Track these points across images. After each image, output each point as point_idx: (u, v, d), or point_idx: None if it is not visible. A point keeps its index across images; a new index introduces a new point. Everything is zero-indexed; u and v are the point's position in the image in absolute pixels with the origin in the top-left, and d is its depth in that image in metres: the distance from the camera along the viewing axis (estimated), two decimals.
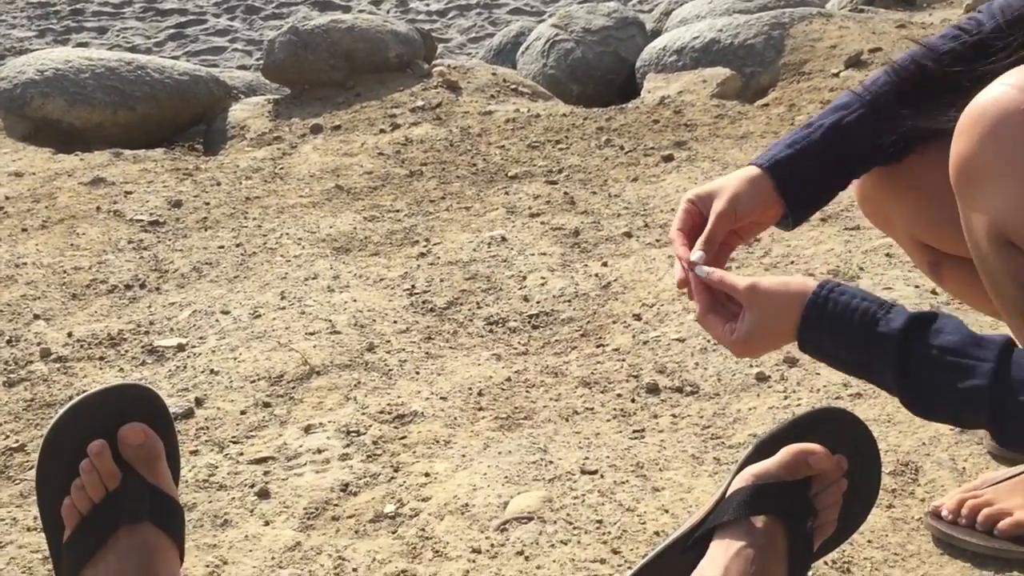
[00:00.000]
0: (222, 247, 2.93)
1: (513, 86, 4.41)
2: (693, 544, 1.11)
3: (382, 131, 3.95)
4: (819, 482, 1.09)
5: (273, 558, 1.44)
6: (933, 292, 2.14)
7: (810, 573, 1.31)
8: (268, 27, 7.61)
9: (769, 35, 4.41)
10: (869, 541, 1.37)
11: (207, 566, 1.41)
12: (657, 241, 2.70)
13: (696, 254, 1.17)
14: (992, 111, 1.03)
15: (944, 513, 1.36)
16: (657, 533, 1.41)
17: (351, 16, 4.75)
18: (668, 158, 3.40)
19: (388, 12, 7.90)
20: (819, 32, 4.41)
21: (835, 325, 1.02)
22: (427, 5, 8.30)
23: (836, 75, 4.09)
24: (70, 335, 2.33)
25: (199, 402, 1.95)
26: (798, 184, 1.20)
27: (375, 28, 4.56)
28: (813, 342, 1.05)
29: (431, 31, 5.71)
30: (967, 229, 1.07)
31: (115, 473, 1.04)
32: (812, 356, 1.07)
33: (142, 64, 4.47)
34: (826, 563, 1.33)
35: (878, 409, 1.72)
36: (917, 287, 2.18)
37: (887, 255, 2.38)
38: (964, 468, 1.52)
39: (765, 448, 1.12)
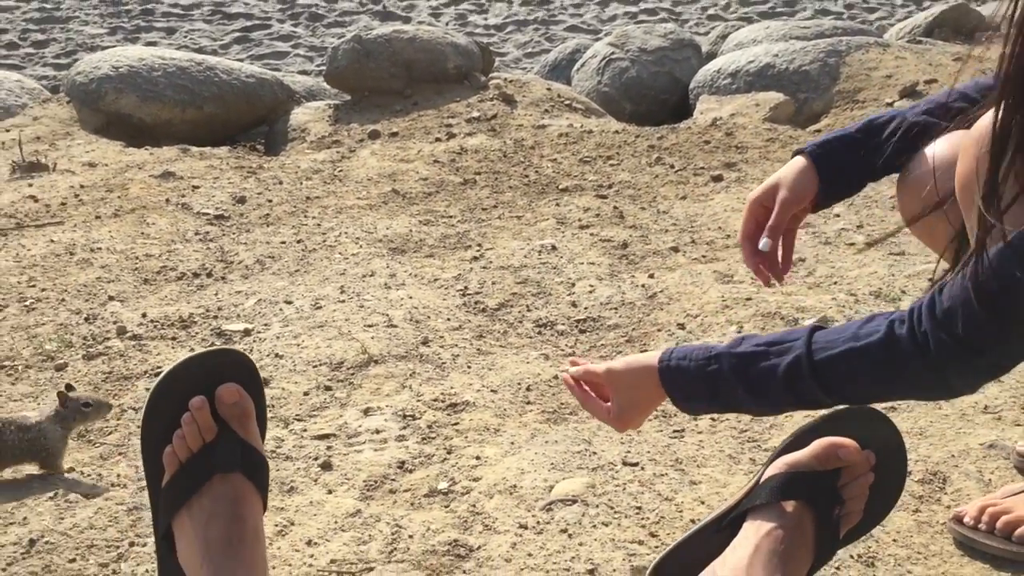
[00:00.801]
0: (284, 242, 3.08)
1: (567, 102, 4.53)
2: (728, 524, 1.20)
3: (438, 139, 4.09)
4: (848, 474, 1.18)
5: (336, 522, 1.55)
6: None
7: (837, 565, 1.40)
8: (330, 34, 7.82)
9: (825, 62, 4.48)
10: (894, 540, 1.46)
11: (276, 525, 1.53)
12: (704, 256, 2.79)
13: (763, 241, 1.37)
14: (989, 133, 1.15)
15: (966, 519, 1.44)
16: (693, 521, 1.50)
17: (412, 27, 4.91)
18: (717, 178, 3.49)
19: (447, 24, 8.08)
20: (875, 61, 4.47)
21: (683, 375, 1.22)
22: (485, 19, 8.47)
23: (890, 104, 4.15)
24: (144, 316, 2.48)
25: (265, 382, 2.07)
26: (832, 168, 1.39)
27: (435, 40, 4.71)
28: (680, 400, 1.24)
29: (489, 45, 5.86)
30: (972, 239, 1.18)
31: (212, 427, 1.17)
32: (689, 411, 1.29)
33: (211, 65, 4.66)
34: (852, 556, 1.41)
35: (911, 423, 1.80)
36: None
37: (930, 280, 2.45)
38: (990, 480, 1.60)
39: (800, 439, 1.21)
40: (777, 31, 5.23)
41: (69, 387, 1.77)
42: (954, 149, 1.27)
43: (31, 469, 1.76)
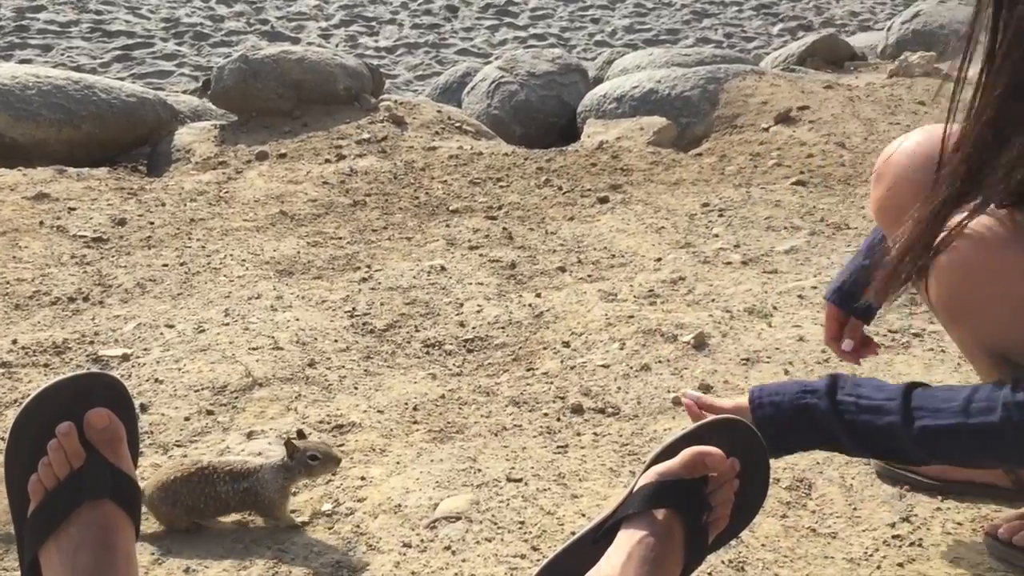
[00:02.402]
0: (166, 265, 3.01)
1: (457, 124, 4.57)
2: (603, 534, 1.24)
3: (327, 161, 4.07)
4: (715, 481, 1.23)
5: (215, 548, 1.53)
6: None
7: (709, 571, 1.45)
8: (216, 54, 7.68)
9: (705, 88, 4.65)
10: (763, 544, 1.52)
11: (152, 554, 1.49)
12: (589, 276, 2.86)
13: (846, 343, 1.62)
14: (899, 158, 1.24)
15: (1001, 533, 1.48)
16: (574, 533, 1.53)
17: (301, 48, 4.88)
18: (604, 200, 3.57)
19: (337, 46, 8.04)
20: (752, 88, 4.66)
21: (781, 424, 1.27)
22: (376, 41, 8.46)
23: (766, 129, 4.33)
24: (14, 342, 2.39)
25: (144, 408, 2.02)
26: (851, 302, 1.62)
27: (324, 61, 4.69)
28: (776, 449, 1.30)
29: (379, 67, 5.86)
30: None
31: (80, 453, 1.14)
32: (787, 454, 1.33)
33: (90, 84, 4.52)
34: (723, 561, 1.47)
35: None
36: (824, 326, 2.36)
37: (799, 296, 2.57)
38: (852, 485, 1.69)
39: (671, 449, 1.26)
40: (660, 58, 5.40)
41: (300, 434, 1.61)
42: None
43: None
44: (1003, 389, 1.14)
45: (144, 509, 1.52)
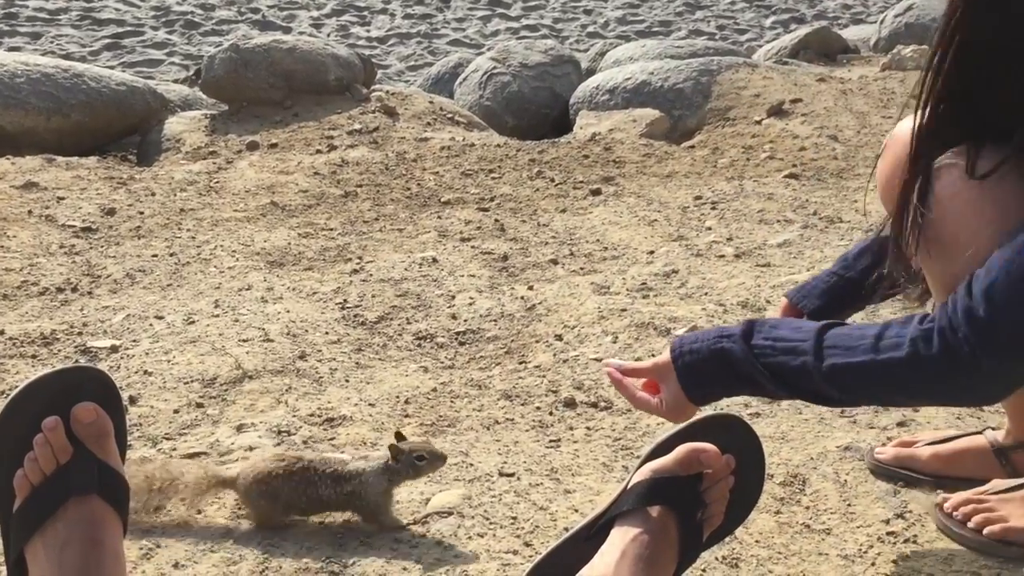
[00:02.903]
0: (156, 256, 2.98)
1: (449, 115, 4.54)
2: (597, 531, 1.23)
3: (319, 151, 4.04)
4: (709, 478, 1.22)
5: (205, 543, 1.51)
6: None
7: (702, 567, 1.45)
8: (206, 43, 7.63)
9: (698, 81, 4.64)
10: (757, 541, 1.51)
11: (141, 548, 1.47)
12: (581, 269, 2.84)
13: None
14: (899, 134, 1.33)
15: (946, 506, 1.52)
16: (567, 529, 1.52)
17: (292, 37, 4.85)
18: (596, 192, 3.56)
19: (329, 36, 8.00)
20: (744, 81, 4.65)
21: (701, 371, 1.29)
22: (368, 31, 8.42)
23: (759, 122, 4.32)
24: (2, 333, 2.36)
25: (132, 400, 2.00)
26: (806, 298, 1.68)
27: (316, 50, 4.66)
28: (692, 389, 1.31)
29: (371, 57, 5.83)
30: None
31: (67, 448, 1.12)
32: (702, 401, 1.34)
33: (79, 72, 4.48)
34: (717, 558, 1.46)
35: (774, 427, 1.87)
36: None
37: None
38: (846, 481, 1.68)
39: (665, 446, 1.25)
40: (653, 50, 5.38)
41: (400, 436, 1.56)
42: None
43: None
44: (911, 324, 1.16)
45: (236, 498, 1.55)
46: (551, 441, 1.88)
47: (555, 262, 2.90)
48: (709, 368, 1.28)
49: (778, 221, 3.15)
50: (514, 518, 1.58)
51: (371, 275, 2.79)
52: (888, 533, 1.52)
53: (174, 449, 1.81)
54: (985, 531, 1.45)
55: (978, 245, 1.17)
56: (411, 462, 1.52)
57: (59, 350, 2.29)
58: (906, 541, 1.50)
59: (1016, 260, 1.10)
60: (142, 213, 3.36)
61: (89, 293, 2.69)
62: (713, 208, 3.30)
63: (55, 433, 1.12)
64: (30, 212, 3.29)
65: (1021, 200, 1.19)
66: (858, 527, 1.54)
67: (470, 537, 1.53)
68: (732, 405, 1.96)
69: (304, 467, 1.53)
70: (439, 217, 3.33)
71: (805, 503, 1.62)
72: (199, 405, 2.00)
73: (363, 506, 1.52)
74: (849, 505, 1.60)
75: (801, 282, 1.73)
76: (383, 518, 1.54)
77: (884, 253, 1.42)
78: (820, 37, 5.73)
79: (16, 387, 1.15)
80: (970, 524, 1.48)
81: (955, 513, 1.50)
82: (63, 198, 3.46)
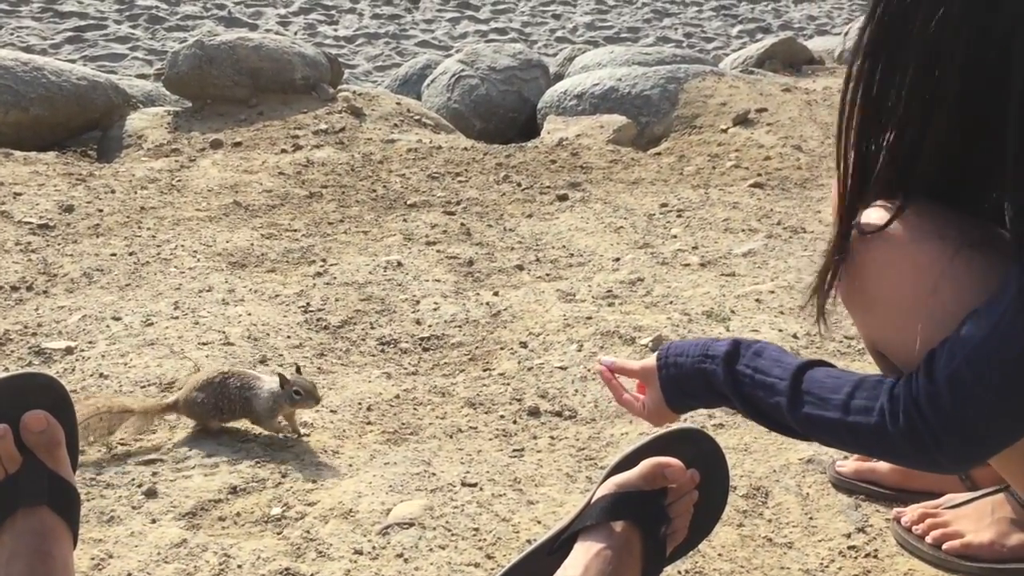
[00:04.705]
0: (114, 255, 2.93)
1: (417, 117, 4.52)
2: (560, 546, 1.22)
3: (283, 151, 3.99)
4: (674, 493, 1.21)
5: (159, 553, 1.48)
6: (795, 336, 2.32)
7: None
8: (171, 38, 7.53)
9: (665, 88, 4.65)
10: (720, 554, 1.51)
11: (92, 559, 1.43)
12: (547, 275, 2.83)
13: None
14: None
15: (904, 519, 1.52)
16: (529, 541, 1.51)
17: (259, 35, 4.79)
18: (563, 197, 3.55)
19: (296, 34, 7.92)
20: (711, 89, 4.67)
21: (683, 385, 1.29)
22: (335, 31, 8.36)
23: (725, 131, 4.34)
24: None
25: None
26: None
27: (282, 49, 4.61)
28: (673, 399, 1.31)
29: (338, 56, 5.78)
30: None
31: (16, 457, 1.08)
32: (681, 410, 1.34)
33: (39, 65, 4.39)
34: (680, 572, 1.45)
35: (737, 439, 1.87)
36: (781, 331, 2.36)
37: (756, 300, 2.57)
38: (808, 494, 1.68)
39: (629, 460, 1.24)
40: (621, 56, 5.39)
41: (298, 369, 1.91)
42: None
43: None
44: (882, 390, 1.15)
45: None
46: (515, 450, 1.86)
47: (521, 268, 2.88)
48: (690, 384, 1.29)
49: (743, 230, 3.16)
50: (476, 529, 1.56)
51: (335, 278, 2.76)
52: (849, 547, 1.52)
53: (128, 455, 1.77)
54: (944, 546, 1.46)
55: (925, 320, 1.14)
56: (290, 393, 1.81)
57: (12, 351, 2.24)
58: (867, 556, 1.50)
59: (983, 347, 1.05)
60: (101, 211, 3.30)
61: (44, 292, 2.63)
62: (679, 216, 3.31)
63: (4, 442, 1.08)
64: None
65: (981, 277, 1.12)
66: (820, 541, 1.55)
67: (431, 549, 1.51)
68: (697, 416, 1.96)
69: (224, 375, 1.86)
70: (405, 220, 3.31)
71: (768, 516, 1.62)
72: None
73: (254, 414, 1.85)
74: (811, 518, 1.60)
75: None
76: (265, 425, 1.86)
77: None
78: (786, 47, 5.78)
79: None
80: (928, 539, 1.49)
81: (914, 528, 1.51)
82: (20, 194, 3.38)
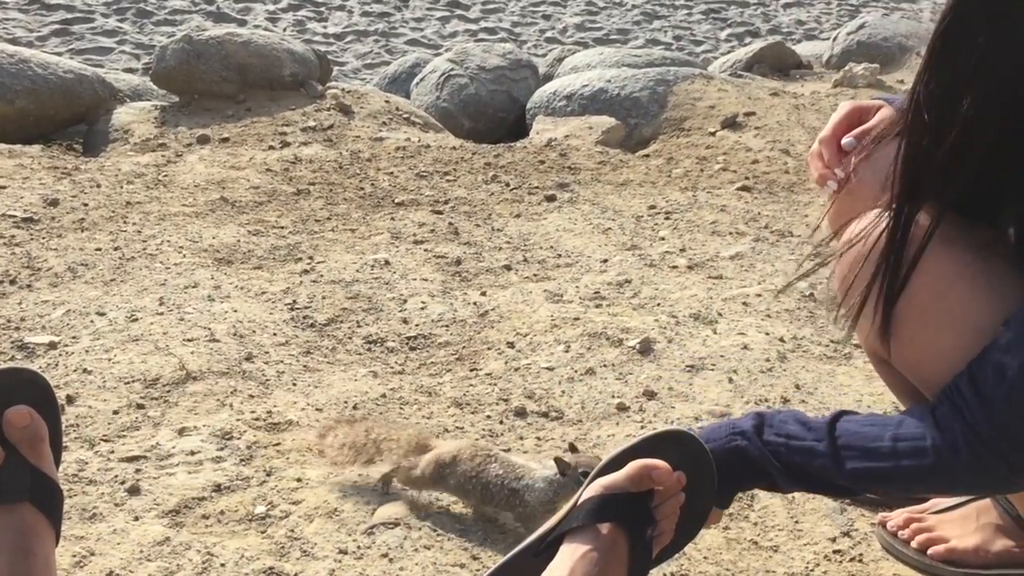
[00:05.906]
0: (99, 249, 2.90)
1: (405, 115, 4.50)
2: (545, 548, 1.21)
3: (271, 148, 3.98)
4: (660, 495, 1.21)
5: (141, 551, 1.46)
6: (781, 340, 2.33)
7: None
8: (159, 32, 7.48)
9: (654, 90, 4.66)
10: (705, 557, 1.51)
11: (73, 556, 1.42)
12: (535, 275, 2.83)
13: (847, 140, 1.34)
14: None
15: (890, 525, 1.52)
16: (516, 542, 1.50)
17: (247, 31, 4.77)
18: (551, 198, 3.55)
19: (285, 31, 7.89)
20: (700, 92, 4.68)
21: (720, 470, 1.25)
22: (325, 28, 8.33)
23: (713, 134, 4.35)
24: None
25: (70, 400, 1.94)
26: None
27: (271, 45, 4.59)
28: (724, 497, 1.28)
29: (327, 53, 5.76)
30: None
31: None
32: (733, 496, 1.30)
33: (25, 58, 4.36)
34: (665, 575, 1.45)
35: None
36: (768, 334, 2.37)
37: (744, 303, 2.58)
38: (794, 498, 1.68)
39: (616, 461, 1.23)
40: (610, 57, 5.39)
41: (573, 448, 1.52)
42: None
43: None
44: (926, 427, 1.11)
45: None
46: (503, 450, 1.85)
47: (508, 268, 2.88)
48: (729, 468, 1.25)
49: (730, 233, 3.17)
50: (462, 530, 1.56)
51: (322, 276, 2.75)
52: (835, 551, 1.53)
53: (112, 452, 1.76)
54: (930, 551, 1.47)
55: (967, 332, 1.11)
56: (577, 478, 1.46)
57: None
58: (852, 560, 1.51)
59: None
60: (86, 205, 3.27)
61: (28, 286, 2.61)
62: (667, 218, 3.31)
63: None
64: None
65: (1014, 285, 1.10)
66: (805, 544, 1.55)
67: (416, 549, 1.50)
68: (683, 418, 1.96)
69: (487, 457, 1.55)
70: (392, 218, 3.30)
71: (753, 519, 1.62)
72: (140, 406, 1.94)
73: (519, 507, 1.53)
74: (796, 522, 1.61)
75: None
76: (531, 525, 1.48)
77: None
78: (774, 52, 5.80)
79: None
80: (913, 544, 1.49)
81: (899, 533, 1.52)
82: (4, 187, 3.35)
